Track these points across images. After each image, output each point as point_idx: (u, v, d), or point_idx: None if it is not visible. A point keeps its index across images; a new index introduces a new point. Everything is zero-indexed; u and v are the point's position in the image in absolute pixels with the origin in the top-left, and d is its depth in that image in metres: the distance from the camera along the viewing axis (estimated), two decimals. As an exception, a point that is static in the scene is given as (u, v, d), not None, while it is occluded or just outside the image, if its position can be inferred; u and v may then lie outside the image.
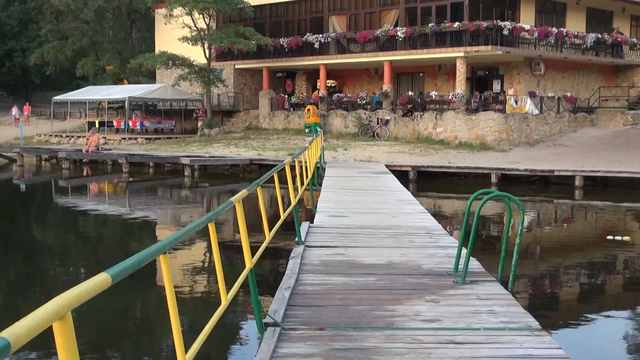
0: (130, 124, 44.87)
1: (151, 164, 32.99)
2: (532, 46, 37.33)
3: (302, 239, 10.76)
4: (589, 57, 39.93)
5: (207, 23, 42.76)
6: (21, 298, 11.37)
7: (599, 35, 39.82)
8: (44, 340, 7.11)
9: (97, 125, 45.38)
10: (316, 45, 41.79)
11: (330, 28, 42.82)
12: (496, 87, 39.39)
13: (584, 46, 39.46)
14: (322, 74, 42.53)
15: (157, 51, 46.70)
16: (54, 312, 2.40)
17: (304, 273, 8.62)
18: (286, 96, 45.06)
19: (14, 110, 55.19)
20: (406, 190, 19.46)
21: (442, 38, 36.92)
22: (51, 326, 2.41)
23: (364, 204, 15.77)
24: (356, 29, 41.44)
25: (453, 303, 7.28)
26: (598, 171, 26.08)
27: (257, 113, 45.65)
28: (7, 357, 2.09)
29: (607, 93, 41.88)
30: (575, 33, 38.94)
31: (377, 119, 38.33)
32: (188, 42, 42.20)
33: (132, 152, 35.20)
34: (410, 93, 39.69)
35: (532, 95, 36.81)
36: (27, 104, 58.66)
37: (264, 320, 6.62)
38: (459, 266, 8.52)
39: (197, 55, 43.28)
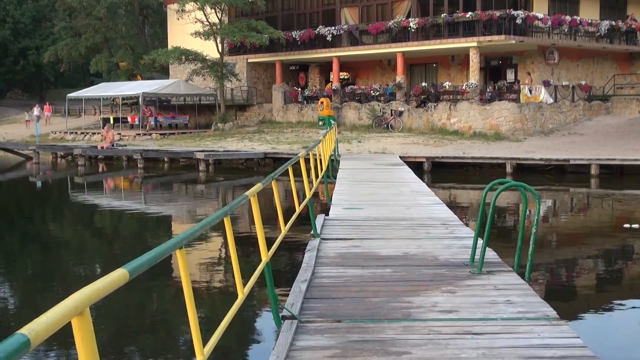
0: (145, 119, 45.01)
1: (166, 159, 33.08)
2: (546, 35, 37.13)
3: (318, 231, 10.76)
4: (603, 45, 39.67)
5: (219, 17, 42.79)
6: (39, 294, 11.44)
7: (613, 23, 39.55)
8: (63, 337, 7.16)
9: (111, 122, 45.56)
10: (328, 38, 41.76)
11: (342, 20, 42.76)
12: (510, 76, 39.23)
13: (598, 34, 39.21)
14: (335, 66, 42.50)
15: (169, 46, 46.80)
16: (72, 308, 2.41)
17: (320, 266, 8.62)
18: (299, 89, 45.08)
19: (36, 110, 54.92)
20: (421, 181, 19.43)
21: (455, 28, 36.79)
22: (70, 322, 2.43)
23: (379, 196, 15.76)
24: (368, 21, 41.36)
25: (470, 293, 7.26)
26: (614, 159, 25.93)
27: (270, 107, 45.68)
28: (27, 353, 2.11)
29: (622, 81, 41.61)
30: (589, 21, 38.70)
31: (391, 110, 38.27)
32: (200, 37, 42.26)
33: (146, 147, 35.31)
34: (423, 84, 39.62)
35: (546, 84, 36.63)
36: (47, 103, 58.67)
37: (281, 313, 6.63)
38: (475, 257, 8.50)
39: (210, 49, 43.33)
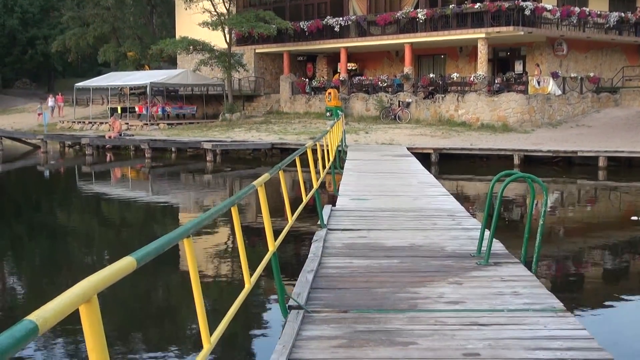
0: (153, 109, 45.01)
1: (173, 149, 33.11)
2: (555, 26, 36.98)
3: (325, 222, 10.77)
4: (612, 37, 39.50)
5: (227, 7, 42.75)
6: (47, 282, 11.49)
7: (622, 14, 39.38)
8: (71, 324, 7.21)
9: (119, 111, 45.59)
10: (336, 29, 41.67)
11: (350, 11, 42.67)
12: (518, 68, 39.12)
13: (607, 25, 39.04)
14: (343, 57, 42.43)
15: (177, 36, 46.77)
16: (80, 295, 2.42)
17: (326, 256, 8.63)
18: (307, 80, 45.02)
19: (50, 101, 54.90)
20: (428, 172, 19.41)
21: (463, 19, 36.67)
22: (77, 309, 2.44)
23: (386, 187, 15.76)
24: (376, 12, 41.27)
25: (476, 285, 7.26)
26: (622, 151, 25.85)
27: (278, 97, 45.65)
28: (35, 339, 2.12)
29: (630, 73, 41.44)
30: (598, 12, 38.53)
31: (399, 101, 38.21)
32: (208, 27, 42.22)
33: (154, 137, 35.34)
34: (431, 75, 39.53)
35: (554, 75, 36.51)
36: (59, 94, 58.64)
37: (287, 303, 6.64)
38: (482, 248, 8.50)
39: (218, 40, 43.28)
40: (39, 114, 52.19)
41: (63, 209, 21.22)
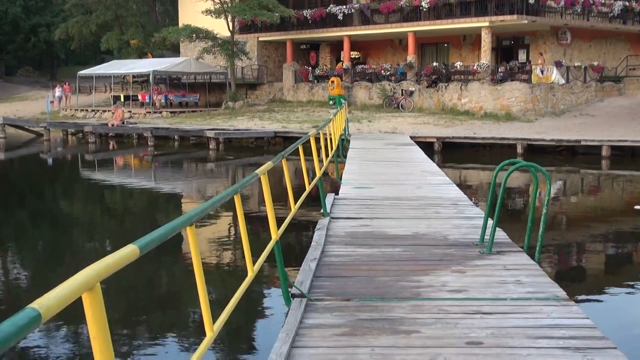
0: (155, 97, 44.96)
1: (176, 138, 33.10)
2: (559, 15, 36.88)
3: (328, 210, 10.76)
4: (617, 26, 39.38)
5: (230, -5, 42.64)
6: (50, 270, 11.50)
7: (627, 4, 39.25)
8: (73, 312, 7.19)
9: (122, 99, 45.54)
10: (340, 17, 41.58)
11: (353, -1, 42.57)
12: (522, 57, 39.02)
13: (612, 14, 38.92)
14: (346, 45, 42.33)
15: (180, 24, 46.65)
16: (83, 283, 2.42)
17: (329, 244, 8.63)
18: (310, 68, 44.92)
19: (57, 91, 54.84)
20: (431, 161, 19.39)
21: (467, 8, 36.57)
22: (81, 297, 2.43)
23: (389, 176, 15.74)
24: (380, 0, 41.12)
25: (479, 273, 7.26)
26: (625, 141, 25.81)
27: (281, 85, 45.58)
28: (38, 327, 2.11)
29: (634, 62, 41.32)
30: (603, 1, 38.42)
31: (402, 90, 38.14)
32: (211, 15, 42.10)
33: (157, 125, 35.32)
34: (434, 64, 39.44)
35: (558, 64, 36.42)
36: (66, 83, 58.41)
37: (290, 291, 6.64)
38: (485, 237, 8.49)
39: (221, 28, 43.17)
40: (51, 102, 52.18)
41: (66, 197, 21.24)
